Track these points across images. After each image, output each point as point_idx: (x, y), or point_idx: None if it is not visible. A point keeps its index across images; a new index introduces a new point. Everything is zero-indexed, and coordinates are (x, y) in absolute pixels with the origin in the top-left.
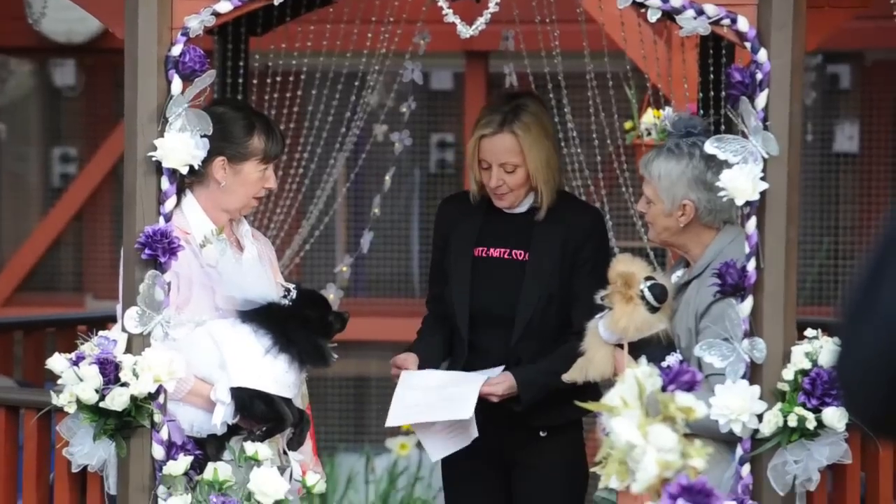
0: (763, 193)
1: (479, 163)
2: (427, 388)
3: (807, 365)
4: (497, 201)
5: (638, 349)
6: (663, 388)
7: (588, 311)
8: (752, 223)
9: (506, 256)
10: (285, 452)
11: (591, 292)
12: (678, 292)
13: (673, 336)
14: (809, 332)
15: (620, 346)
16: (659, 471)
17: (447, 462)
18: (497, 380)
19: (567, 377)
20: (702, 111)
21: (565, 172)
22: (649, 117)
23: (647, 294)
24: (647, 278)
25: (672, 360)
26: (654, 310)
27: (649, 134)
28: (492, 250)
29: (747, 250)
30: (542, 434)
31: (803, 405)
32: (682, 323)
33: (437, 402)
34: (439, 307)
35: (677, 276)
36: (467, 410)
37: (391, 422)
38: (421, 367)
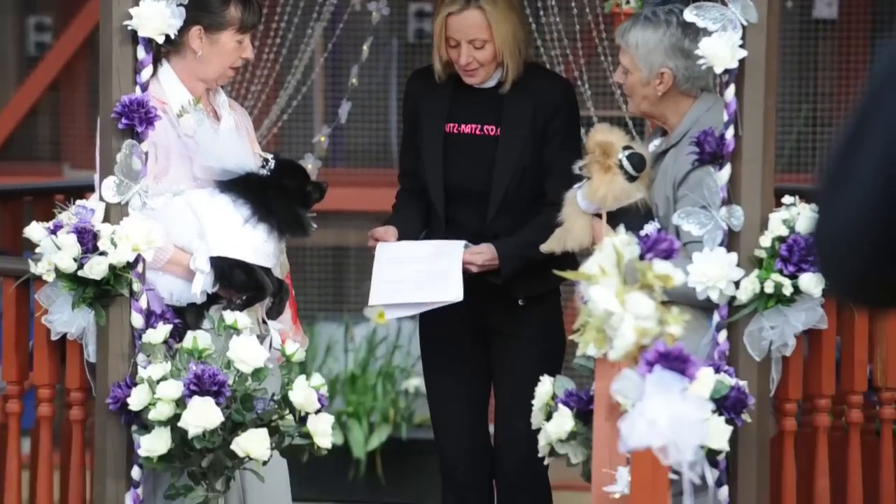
0: (742, 61)
1: (447, 41)
2: (407, 260)
3: (784, 232)
4: (468, 78)
5: (616, 218)
6: (641, 257)
7: (561, 181)
8: (730, 91)
9: (477, 132)
10: (264, 321)
11: (564, 163)
12: (655, 161)
13: (651, 205)
14: (787, 199)
15: (599, 215)
16: (636, 338)
17: (425, 331)
18: (478, 249)
19: (545, 247)
20: None
21: (545, 42)
22: None
23: (626, 163)
24: (625, 147)
25: (650, 228)
26: (632, 179)
27: (628, 2)
28: (463, 126)
29: (725, 118)
30: (520, 303)
31: (780, 271)
32: (659, 192)
33: (420, 280)
34: (413, 182)
35: (654, 144)
36: (456, 291)
37: (374, 300)
38: (400, 239)
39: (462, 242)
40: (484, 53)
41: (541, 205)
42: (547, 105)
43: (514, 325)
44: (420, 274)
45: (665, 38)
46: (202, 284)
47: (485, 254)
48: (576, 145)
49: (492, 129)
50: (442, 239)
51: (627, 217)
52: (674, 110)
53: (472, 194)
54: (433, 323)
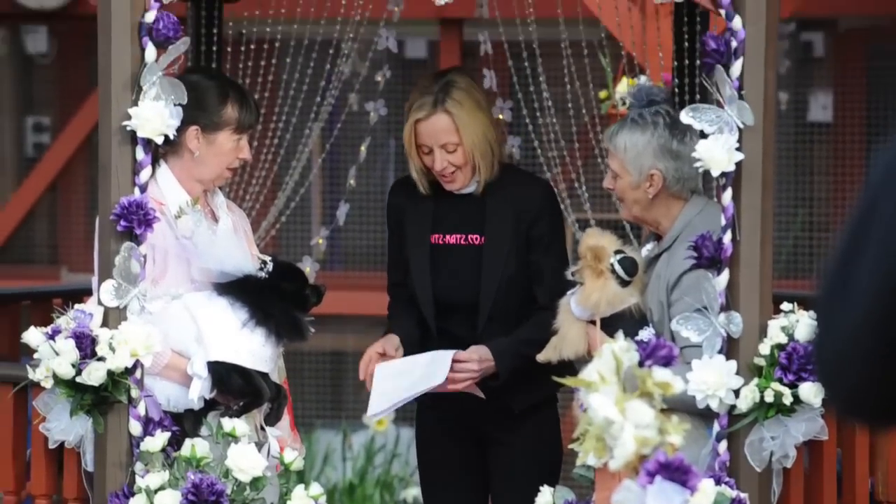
0: (738, 164)
1: (419, 148)
2: (404, 373)
3: (783, 339)
4: (447, 185)
5: (610, 325)
6: (640, 364)
7: (550, 285)
8: (727, 194)
9: (462, 242)
10: (262, 428)
11: (551, 267)
12: (649, 266)
13: (645, 310)
14: (786, 305)
15: (593, 322)
16: (637, 447)
17: (422, 439)
18: (470, 350)
19: (541, 357)
20: (676, 80)
21: (541, 143)
22: (624, 86)
23: (618, 267)
24: (617, 252)
25: (645, 334)
26: (624, 283)
27: (624, 104)
28: (448, 237)
29: (723, 222)
30: (515, 412)
31: (780, 380)
32: (653, 296)
33: (414, 382)
34: (403, 292)
35: (647, 249)
36: (441, 375)
37: (372, 412)
38: (403, 345)
39: (453, 351)
40: (457, 157)
41: (532, 310)
42: (528, 210)
43: (511, 433)
44: (414, 378)
45: (653, 140)
46: (200, 390)
47: (478, 352)
48: (561, 247)
49: (476, 238)
50: (435, 349)
51: (622, 323)
52: (665, 214)
53: (462, 305)
54: (429, 432)
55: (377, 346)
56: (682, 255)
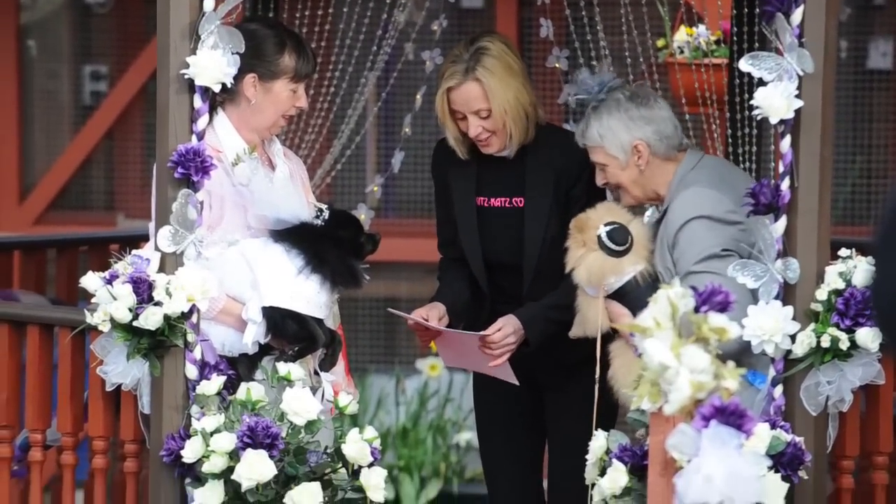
0: (797, 111)
1: (454, 114)
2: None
3: (840, 285)
4: (484, 149)
5: (622, 296)
6: (696, 309)
7: None
8: (786, 141)
9: (506, 205)
10: (317, 373)
11: None
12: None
13: (658, 274)
14: (843, 251)
15: (610, 295)
16: (692, 392)
17: (479, 384)
18: (498, 324)
19: (571, 334)
20: (735, 28)
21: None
22: (682, 35)
23: (605, 237)
24: (609, 223)
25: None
26: (616, 253)
27: (682, 52)
28: (492, 200)
29: (781, 169)
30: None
31: (836, 325)
32: (659, 262)
33: (480, 361)
34: (454, 251)
35: (648, 215)
36: (482, 360)
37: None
38: (449, 313)
39: (478, 334)
40: (491, 122)
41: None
42: (568, 172)
43: (566, 380)
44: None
45: (622, 115)
46: (254, 335)
47: (509, 323)
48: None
49: (519, 202)
50: (490, 308)
51: (637, 290)
52: (662, 181)
53: (509, 265)
54: (486, 378)
55: (422, 312)
56: (674, 213)
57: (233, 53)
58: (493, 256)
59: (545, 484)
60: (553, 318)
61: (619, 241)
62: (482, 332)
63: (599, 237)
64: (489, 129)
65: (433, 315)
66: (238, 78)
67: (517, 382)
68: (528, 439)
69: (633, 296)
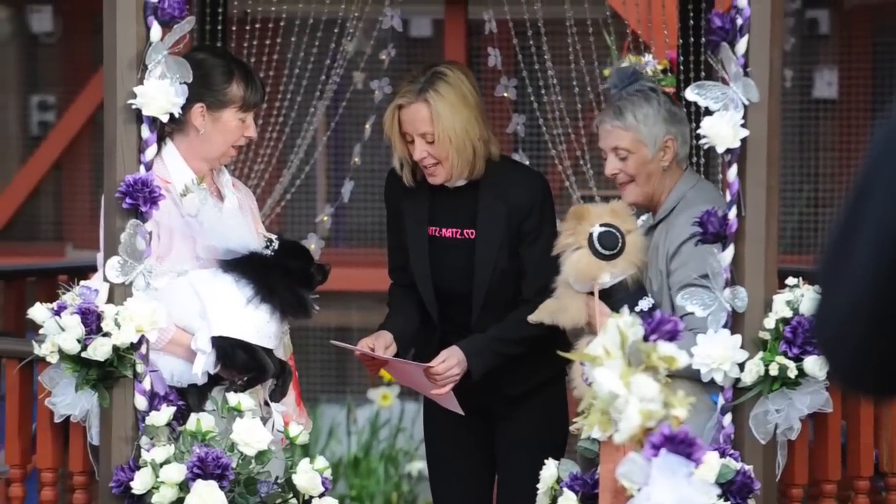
0: (743, 140)
1: (404, 136)
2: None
3: (788, 313)
4: (430, 178)
5: (609, 296)
6: (645, 338)
7: (534, 279)
8: (732, 171)
9: (458, 236)
10: (267, 404)
11: (536, 260)
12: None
13: (644, 281)
14: (790, 280)
15: (592, 293)
16: (642, 420)
17: (428, 414)
18: (442, 356)
19: (533, 317)
20: (681, 57)
21: (546, 121)
22: (629, 64)
23: (595, 237)
24: (605, 224)
25: (644, 304)
26: (601, 256)
27: None
28: (444, 231)
29: (728, 198)
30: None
31: (784, 354)
32: (652, 266)
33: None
34: (404, 277)
35: (642, 220)
36: (427, 386)
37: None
38: (396, 341)
39: (424, 365)
40: (436, 148)
41: (517, 302)
42: (520, 207)
43: (516, 409)
44: (423, 382)
45: (661, 108)
46: (204, 365)
47: (450, 359)
48: (548, 241)
49: (470, 233)
50: (440, 337)
51: (621, 294)
52: (665, 189)
53: (459, 295)
54: (437, 408)
55: (368, 341)
56: (681, 226)
57: (181, 83)
58: (444, 285)
59: None
60: (499, 350)
61: (607, 245)
62: (426, 364)
63: (591, 235)
64: (434, 157)
65: (380, 344)
66: (186, 107)
67: (462, 412)
68: (478, 469)
69: (618, 298)
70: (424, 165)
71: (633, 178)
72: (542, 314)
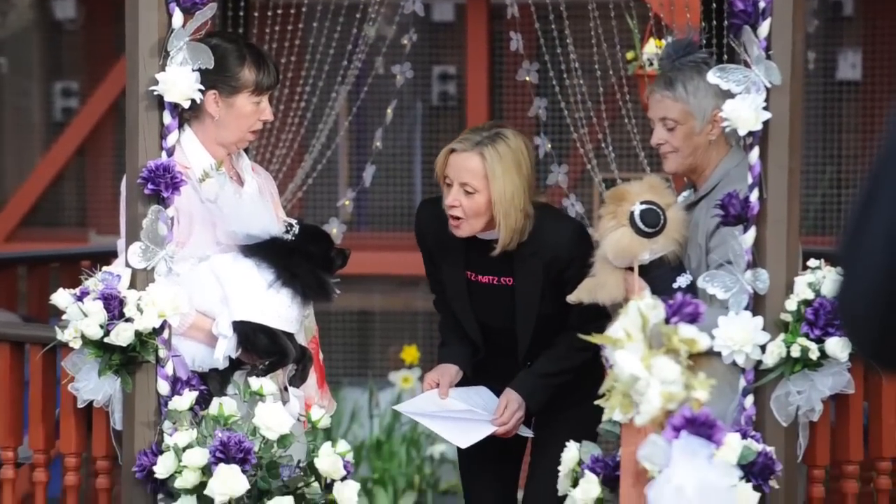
0: (766, 123)
1: (444, 178)
2: (445, 411)
3: (810, 295)
4: (454, 229)
5: (647, 272)
6: (666, 321)
7: (580, 313)
8: (754, 153)
9: (494, 283)
10: (286, 389)
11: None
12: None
13: (683, 258)
14: (812, 262)
15: (631, 269)
16: (662, 403)
17: None
18: (501, 407)
19: (572, 298)
20: (704, 40)
21: (568, 105)
22: (651, 47)
23: (637, 216)
24: (645, 202)
25: (683, 280)
26: (643, 234)
27: (651, 64)
28: (480, 277)
29: (750, 180)
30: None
31: (806, 335)
32: (693, 242)
33: (446, 424)
34: (447, 307)
35: (684, 196)
36: (465, 442)
37: (401, 409)
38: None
39: (490, 426)
40: (472, 202)
41: (566, 327)
42: (557, 260)
43: (559, 412)
44: (448, 421)
45: (711, 83)
46: (225, 349)
47: (511, 404)
48: None
49: (508, 281)
50: (484, 362)
51: (659, 270)
52: (710, 163)
53: (503, 329)
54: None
55: (433, 376)
56: (715, 214)
57: (194, 70)
58: (487, 320)
59: (520, 494)
60: (551, 383)
61: (649, 223)
62: (491, 418)
63: (632, 214)
64: (465, 209)
65: (444, 381)
66: (201, 94)
67: (531, 434)
68: (506, 451)
69: (656, 274)
70: (452, 214)
71: (678, 150)
72: (582, 293)
